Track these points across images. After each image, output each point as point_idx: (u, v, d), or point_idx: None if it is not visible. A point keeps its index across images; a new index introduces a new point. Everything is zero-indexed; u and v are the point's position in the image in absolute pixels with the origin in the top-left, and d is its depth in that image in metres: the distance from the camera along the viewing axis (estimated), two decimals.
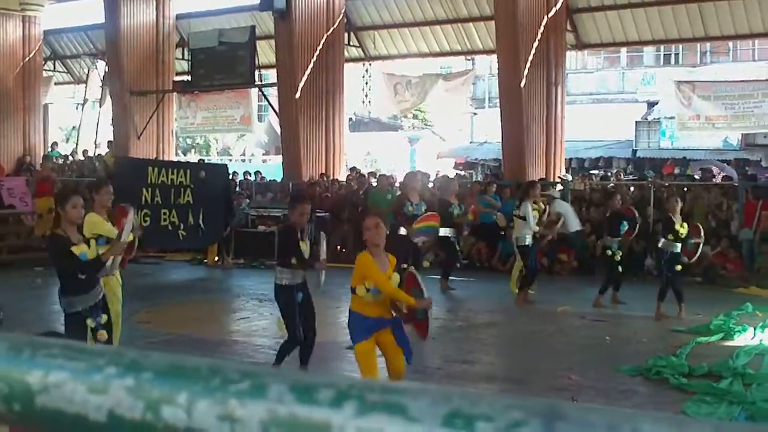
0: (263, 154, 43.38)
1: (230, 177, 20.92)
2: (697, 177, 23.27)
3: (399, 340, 7.05)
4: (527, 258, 13.62)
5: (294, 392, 0.65)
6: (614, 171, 29.55)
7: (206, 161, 29.87)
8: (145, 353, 0.75)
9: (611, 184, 21.50)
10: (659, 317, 12.12)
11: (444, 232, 14.06)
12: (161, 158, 25.49)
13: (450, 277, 14.77)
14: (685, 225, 12.41)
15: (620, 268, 13.27)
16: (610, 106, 36.21)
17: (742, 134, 30.20)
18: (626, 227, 13.38)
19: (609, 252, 13.22)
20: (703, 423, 0.55)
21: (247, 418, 0.66)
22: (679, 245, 12.26)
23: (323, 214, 19.99)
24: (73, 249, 7.08)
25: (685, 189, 19.60)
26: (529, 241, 13.58)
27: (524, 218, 13.50)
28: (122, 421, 0.70)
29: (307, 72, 22.92)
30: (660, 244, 12.49)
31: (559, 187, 18.68)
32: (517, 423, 0.57)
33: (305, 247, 7.98)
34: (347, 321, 7.18)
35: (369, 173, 23.69)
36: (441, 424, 0.60)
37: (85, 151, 29.17)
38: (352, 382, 0.66)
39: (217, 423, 0.67)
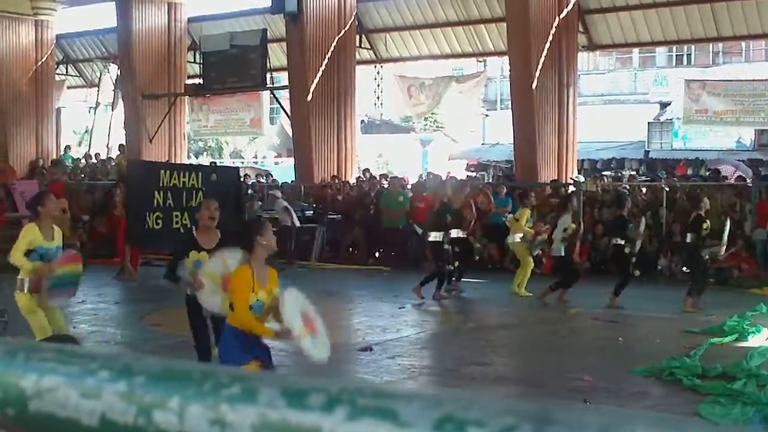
0: (275, 157, 43.45)
1: (241, 179, 20.96)
2: (709, 173, 23.26)
3: None
4: (565, 268, 13.88)
5: (285, 397, 0.64)
6: (628, 174, 29.46)
7: (218, 164, 29.97)
8: (138, 357, 0.74)
9: (624, 186, 21.44)
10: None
11: (456, 233, 14.09)
12: (173, 161, 25.53)
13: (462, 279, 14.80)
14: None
15: (632, 268, 13.29)
16: (622, 107, 36.11)
17: (756, 133, 30.08)
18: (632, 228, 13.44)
19: (626, 250, 13.26)
20: (698, 425, 0.54)
21: (238, 423, 0.65)
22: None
23: (335, 216, 20.02)
24: None
25: (698, 190, 19.52)
26: (563, 252, 13.69)
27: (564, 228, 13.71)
28: (115, 425, 0.70)
29: (319, 74, 22.94)
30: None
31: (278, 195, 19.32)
32: (509, 428, 0.56)
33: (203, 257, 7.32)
34: (222, 339, 6.34)
35: (381, 175, 23.69)
36: (432, 428, 0.59)
37: (97, 155, 29.27)
38: (343, 386, 0.65)
39: (209, 427, 0.66)
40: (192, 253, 7.40)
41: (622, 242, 13.24)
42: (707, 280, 13.43)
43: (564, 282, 13.76)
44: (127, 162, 20.38)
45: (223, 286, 6.80)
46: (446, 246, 13.90)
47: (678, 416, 0.55)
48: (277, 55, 25.62)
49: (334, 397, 0.63)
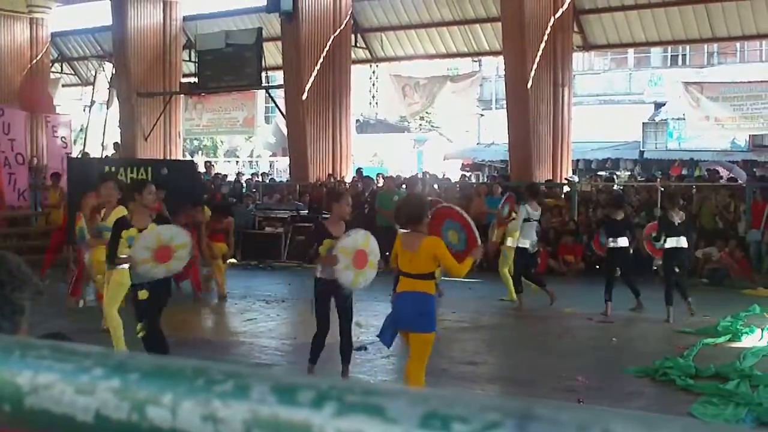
0: (270, 155, 43.44)
1: (199, 173, 20.48)
2: (707, 172, 23.34)
3: None
4: (519, 261, 13.58)
5: (275, 393, 0.66)
6: (626, 174, 29.55)
7: (212, 162, 29.95)
8: (132, 354, 0.76)
9: (620, 186, 21.47)
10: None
11: None
12: (168, 159, 25.39)
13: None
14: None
15: (619, 270, 13.07)
16: (617, 107, 36.17)
17: (750, 135, 30.16)
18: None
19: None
20: (672, 422, 0.56)
21: (230, 419, 0.67)
22: (674, 241, 12.26)
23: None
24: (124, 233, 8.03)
25: (694, 190, 19.57)
26: (529, 246, 13.51)
27: (528, 219, 13.46)
28: (109, 421, 0.71)
29: (314, 73, 22.95)
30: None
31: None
32: (493, 424, 0.58)
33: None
34: (426, 308, 7.38)
35: (377, 174, 23.68)
36: (418, 425, 0.61)
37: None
38: (332, 383, 0.66)
39: (201, 423, 0.68)
40: (326, 241, 8.15)
41: (626, 244, 13.04)
42: (684, 281, 12.93)
43: (521, 273, 13.57)
44: (68, 160, 19.15)
45: (354, 262, 7.96)
46: None
47: (655, 414, 0.57)
48: (273, 54, 25.64)
49: (323, 393, 0.65)
